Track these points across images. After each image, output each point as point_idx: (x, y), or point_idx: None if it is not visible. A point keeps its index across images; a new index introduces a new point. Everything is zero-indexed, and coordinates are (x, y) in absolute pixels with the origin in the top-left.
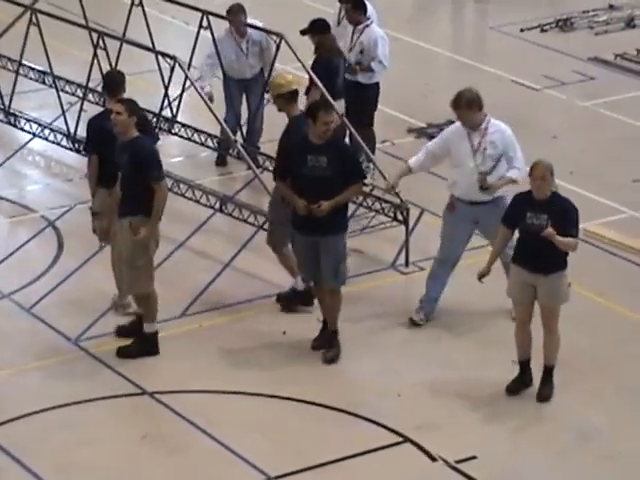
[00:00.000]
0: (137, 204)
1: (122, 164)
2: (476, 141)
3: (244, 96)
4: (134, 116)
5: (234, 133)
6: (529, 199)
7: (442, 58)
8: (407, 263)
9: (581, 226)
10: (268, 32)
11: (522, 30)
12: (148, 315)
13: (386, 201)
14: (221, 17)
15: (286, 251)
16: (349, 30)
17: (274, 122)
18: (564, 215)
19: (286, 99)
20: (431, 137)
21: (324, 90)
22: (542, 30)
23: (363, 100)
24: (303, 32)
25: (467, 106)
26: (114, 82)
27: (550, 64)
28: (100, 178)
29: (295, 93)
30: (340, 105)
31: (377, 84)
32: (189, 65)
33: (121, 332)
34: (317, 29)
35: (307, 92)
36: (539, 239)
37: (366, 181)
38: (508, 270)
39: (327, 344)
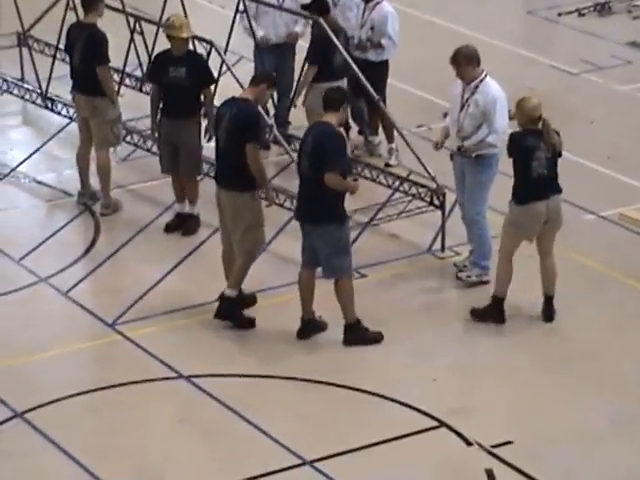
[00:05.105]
0: None
1: None
2: (466, 96)
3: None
4: None
5: (266, 112)
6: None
7: (479, 43)
8: (443, 248)
9: (617, 210)
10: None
11: (560, 14)
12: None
13: (423, 185)
14: (256, 1)
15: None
16: (355, 4)
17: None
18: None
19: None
20: None
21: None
22: (580, 14)
23: (373, 78)
24: (304, 7)
25: (466, 61)
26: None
27: (588, 48)
28: None
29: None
30: (341, 85)
31: (387, 62)
32: (225, 50)
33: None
34: (316, 9)
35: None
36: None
37: (391, 162)
38: None
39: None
